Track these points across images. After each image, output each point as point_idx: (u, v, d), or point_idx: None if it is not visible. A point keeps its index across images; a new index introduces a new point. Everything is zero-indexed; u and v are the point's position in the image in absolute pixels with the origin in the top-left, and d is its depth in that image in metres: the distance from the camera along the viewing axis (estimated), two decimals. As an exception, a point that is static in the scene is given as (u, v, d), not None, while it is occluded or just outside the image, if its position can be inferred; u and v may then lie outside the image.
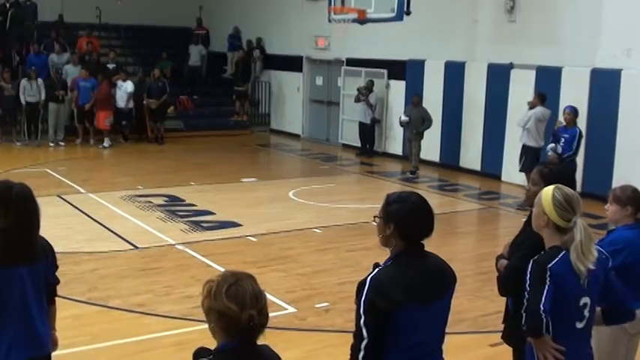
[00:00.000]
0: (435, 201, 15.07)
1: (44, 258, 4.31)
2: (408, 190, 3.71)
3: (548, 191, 3.88)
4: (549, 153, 12.69)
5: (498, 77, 16.14)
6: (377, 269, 3.51)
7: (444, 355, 3.69)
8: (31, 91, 18.73)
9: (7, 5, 21.69)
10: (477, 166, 16.87)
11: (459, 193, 15.32)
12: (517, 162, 14.32)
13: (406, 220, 3.53)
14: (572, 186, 4.89)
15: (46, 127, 19.33)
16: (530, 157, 13.64)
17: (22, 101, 18.70)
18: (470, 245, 11.35)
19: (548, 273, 3.67)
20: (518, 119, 14.16)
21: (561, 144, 12.48)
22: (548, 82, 14.81)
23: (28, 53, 20.88)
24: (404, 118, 16.62)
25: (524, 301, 3.73)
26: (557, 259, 3.71)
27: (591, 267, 3.72)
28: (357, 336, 3.42)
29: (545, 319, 3.62)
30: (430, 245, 3.62)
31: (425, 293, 3.49)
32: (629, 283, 4.86)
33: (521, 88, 15.42)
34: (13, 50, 21.18)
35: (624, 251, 4.86)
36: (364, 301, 3.41)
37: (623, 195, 5.04)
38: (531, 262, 3.79)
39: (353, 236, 11.11)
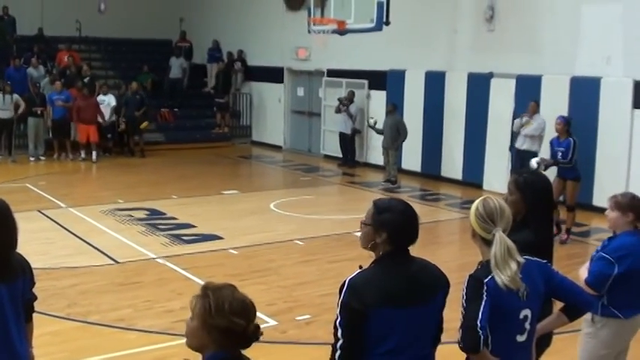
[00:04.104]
0: (417, 210, 15.07)
1: (22, 275, 4.22)
2: (394, 197, 3.72)
3: (475, 203, 3.80)
4: (532, 165, 11.86)
5: (478, 86, 16.18)
6: (357, 271, 3.55)
7: None
8: (3, 105, 18.53)
9: None
10: (459, 175, 16.89)
11: (440, 202, 15.33)
12: (498, 170, 14.26)
13: (400, 228, 3.57)
14: (549, 196, 4.82)
15: (22, 142, 19.15)
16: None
17: None
18: (452, 255, 11.32)
19: (485, 288, 3.57)
20: (529, 129, 13.69)
21: (559, 158, 12.00)
22: (528, 90, 14.84)
23: (8, 67, 20.74)
24: (371, 121, 16.74)
25: (461, 316, 3.64)
26: (493, 273, 3.62)
27: (506, 281, 3.57)
28: (334, 336, 3.50)
29: (482, 336, 3.51)
30: (413, 254, 3.62)
31: (403, 297, 3.49)
32: (633, 288, 4.87)
33: (502, 97, 15.49)
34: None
35: (629, 257, 4.88)
36: (341, 302, 3.48)
37: (624, 201, 5.04)
38: (468, 276, 3.71)
39: (335, 247, 11.07)
